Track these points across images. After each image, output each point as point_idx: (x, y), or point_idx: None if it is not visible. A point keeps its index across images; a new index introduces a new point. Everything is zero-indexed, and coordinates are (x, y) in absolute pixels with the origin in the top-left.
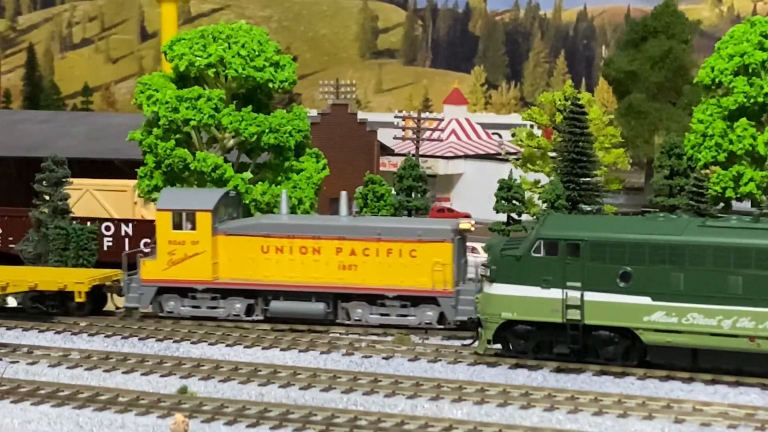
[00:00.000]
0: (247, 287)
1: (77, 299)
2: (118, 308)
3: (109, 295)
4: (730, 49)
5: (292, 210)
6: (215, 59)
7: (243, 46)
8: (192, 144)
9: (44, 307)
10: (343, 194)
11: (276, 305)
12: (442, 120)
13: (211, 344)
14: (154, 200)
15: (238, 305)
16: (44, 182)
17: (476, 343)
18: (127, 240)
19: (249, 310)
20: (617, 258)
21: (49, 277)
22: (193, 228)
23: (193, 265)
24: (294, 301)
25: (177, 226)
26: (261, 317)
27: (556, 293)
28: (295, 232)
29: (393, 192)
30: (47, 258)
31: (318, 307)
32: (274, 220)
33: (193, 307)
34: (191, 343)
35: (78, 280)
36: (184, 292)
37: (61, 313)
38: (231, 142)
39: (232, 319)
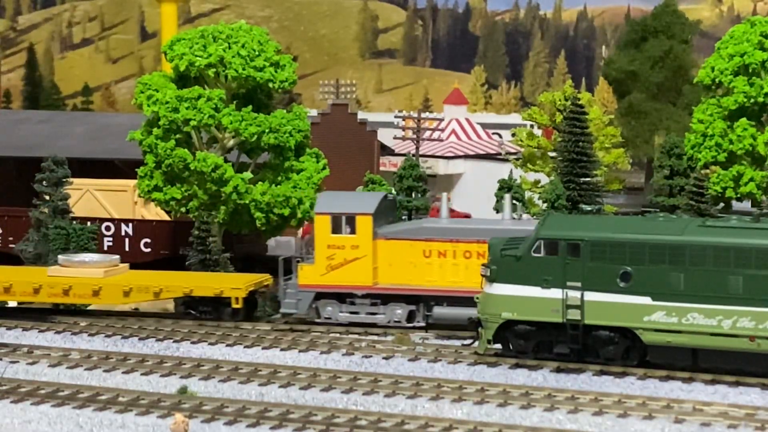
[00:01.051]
0: (409, 293)
1: (234, 305)
2: (270, 314)
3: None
4: (730, 49)
5: (292, 211)
6: (215, 59)
7: (243, 46)
8: (192, 144)
9: (197, 313)
10: (507, 196)
11: (439, 311)
12: (442, 120)
13: (211, 344)
14: (154, 200)
15: (399, 311)
16: (44, 182)
17: (476, 343)
18: (127, 240)
19: (410, 317)
20: (617, 258)
21: (204, 283)
22: (353, 232)
23: (353, 270)
24: (458, 307)
25: (336, 230)
26: (422, 323)
27: (556, 293)
28: (459, 236)
29: (393, 192)
30: (47, 258)
31: None
32: (436, 224)
33: (352, 313)
34: (191, 343)
35: (235, 285)
36: (342, 297)
37: (214, 318)
38: (231, 142)
39: (393, 326)
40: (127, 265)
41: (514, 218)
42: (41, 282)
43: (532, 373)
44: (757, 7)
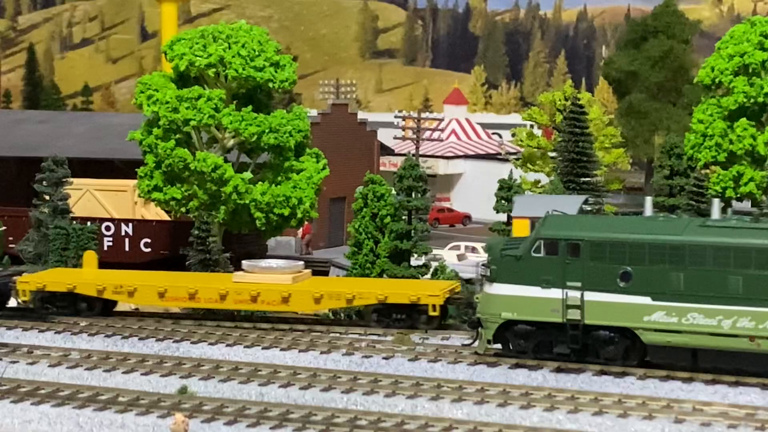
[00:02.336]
0: None
1: (431, 313)
2: (464, 321)
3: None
4: (730, 49)
5: (292, 211)
6: (215, 59)
7: (243, 46)
8: (192, 144)
9: (388, 320)
10: (716, 201)
11: None
12: (442, 120)
13: (211, 344)
14: (154, 200)
15: None
16: (44, 182)
17: (476, 343)
18: (127, 240)
19: None
20: (617, 258)
21: (399, 290)
22: None
23: None
24: None
25: None
26: None
27: (556, 293)
28: None
29: (393, 192)
30: (47, 258)
31: None
32: None
33: None
34: (191, 343)
35: (431, 292)
36: None
37: (406, 326)
38: (231, 142)
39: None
40: (309, 270)
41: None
42: (227, 288)
43: (532, 373)
44: (757, 7)
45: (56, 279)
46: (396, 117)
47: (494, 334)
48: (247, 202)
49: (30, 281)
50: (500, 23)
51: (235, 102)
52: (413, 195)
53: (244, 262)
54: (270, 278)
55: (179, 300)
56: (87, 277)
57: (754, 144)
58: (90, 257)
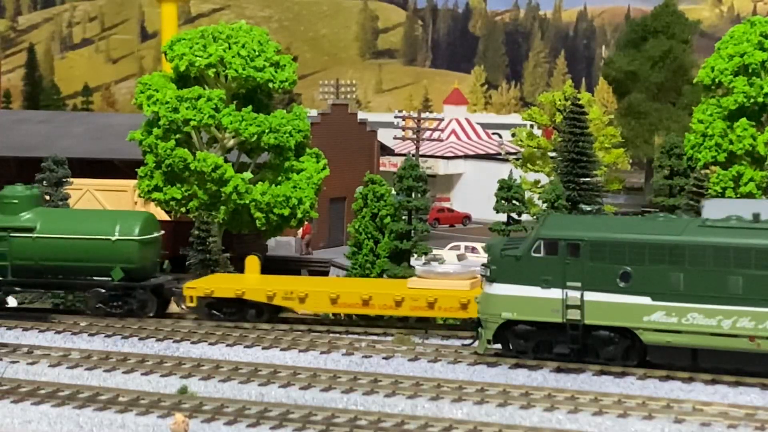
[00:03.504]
0: None
1: None
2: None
3: None
4: (730, 49)
5: (292, 211)
6: (215, 59)
7: (243, 46)
8: (192, 144)
9: None
10: None
11: None
12: (442, 120)
13: (211, 344)
14: (154, 200)
15: None
16: (44, 182)
17: (476, 343)
18: None
19: None
20: (617, 258)
21: None
22: None
23: None
24: None
25: None
26: None
27: (556, 293)
28: None
29: (393, 192)
30: None
31: None
32: None
33: None
34: (191, 343)
35: None
36: None
37: None
38: (231, 142)
39: None
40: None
41: None
42: (403, 295)
43: (532, 373)
44: (757, 7)
45: (224, 285)
46: (396, 117)
47: (494, 334)
48: (247, 202)
49: (197, 287)
50: (500, 23)
51: (235, 102)
52: (413, 195)
53: (417, 267)
54: (447, 284)
55: (352, 306)
56: (255, 282)
57: (754, 144)
58: (252, 262)
